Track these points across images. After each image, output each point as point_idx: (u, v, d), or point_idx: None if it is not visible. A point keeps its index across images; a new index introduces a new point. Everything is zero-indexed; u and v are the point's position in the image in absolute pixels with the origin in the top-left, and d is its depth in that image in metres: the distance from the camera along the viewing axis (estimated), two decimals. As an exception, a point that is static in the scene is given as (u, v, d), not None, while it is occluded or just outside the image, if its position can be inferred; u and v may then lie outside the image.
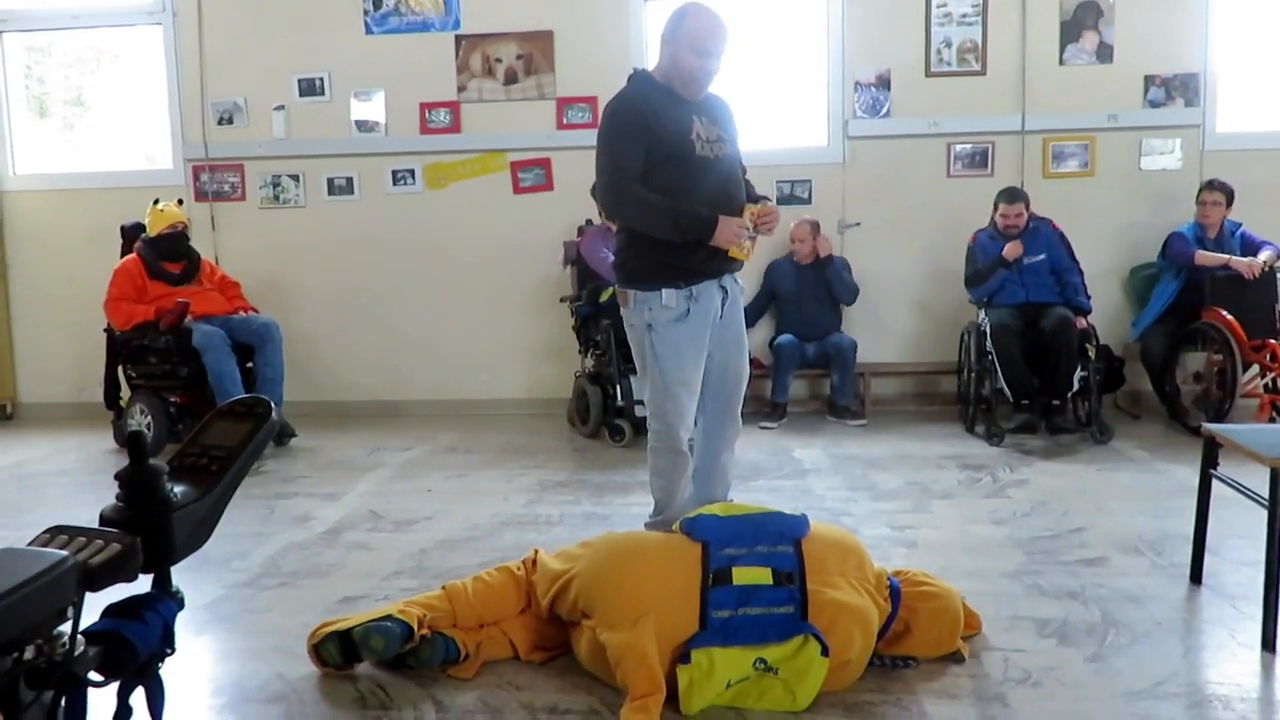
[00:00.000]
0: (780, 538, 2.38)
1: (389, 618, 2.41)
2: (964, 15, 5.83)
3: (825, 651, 2.20)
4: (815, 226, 5.80)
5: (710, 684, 2.19)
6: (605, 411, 5.28)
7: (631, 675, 2.18)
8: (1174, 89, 5.79)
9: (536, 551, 2.66)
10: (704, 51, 3.02)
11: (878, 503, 3.99)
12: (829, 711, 2.21)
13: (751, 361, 3.41)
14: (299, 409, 5.69)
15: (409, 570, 3.24)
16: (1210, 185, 5.38)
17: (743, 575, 2.30)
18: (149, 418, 5.13)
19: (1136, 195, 5.87)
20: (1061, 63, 5.84)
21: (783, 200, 5.88)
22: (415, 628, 2.39)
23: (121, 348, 5.36)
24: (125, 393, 5.46)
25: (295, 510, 4.06)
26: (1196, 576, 2.97)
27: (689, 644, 2.22)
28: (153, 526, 1.32)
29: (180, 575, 1.41)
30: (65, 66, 6.89)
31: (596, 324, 5.38)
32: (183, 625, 1.80)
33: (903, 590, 2.49)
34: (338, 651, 2.41)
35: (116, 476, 1.36)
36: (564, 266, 5.85)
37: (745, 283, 3.35)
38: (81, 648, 1.25)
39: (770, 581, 2.30)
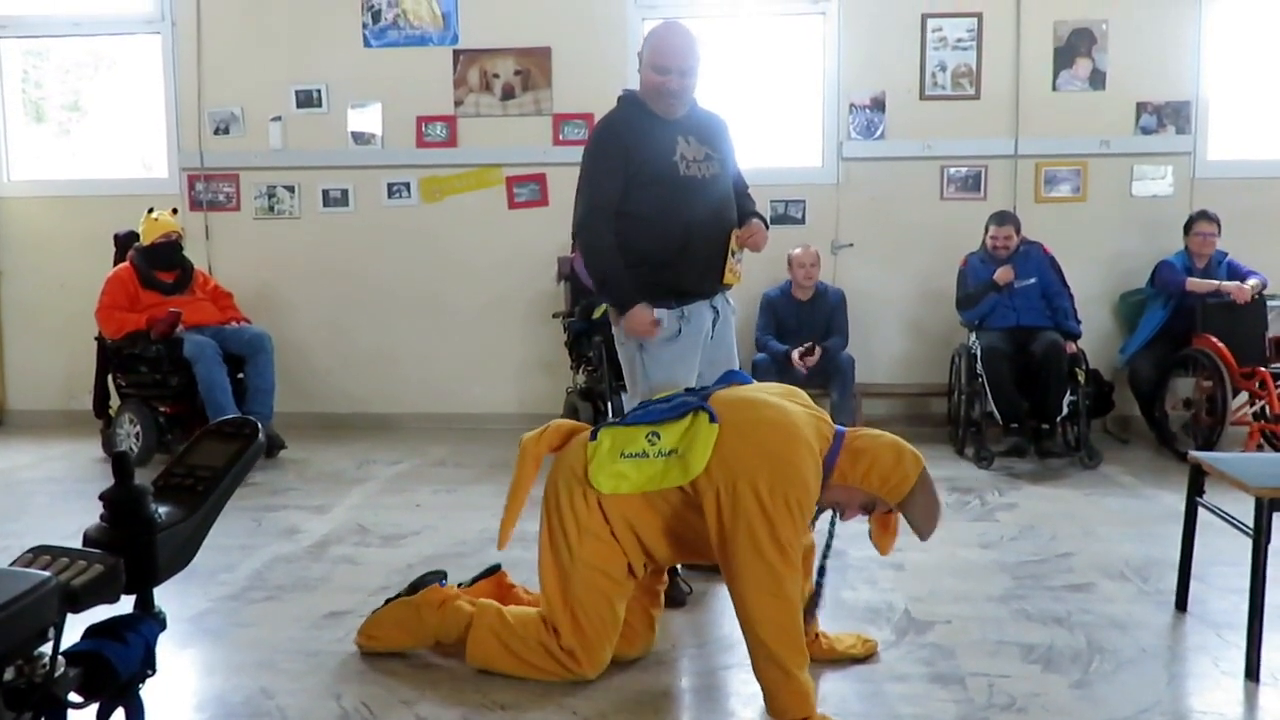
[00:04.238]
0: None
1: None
2: (959, 40, 5.87)
3: (713, 419, 2.28)
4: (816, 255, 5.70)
5: (607, 455, 2.37)
6: (596, 428, 5.26)
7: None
8: (1166, 116, 5.83)
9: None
10: (663, 69, 3.04)
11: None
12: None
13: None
14: (289, 420, 5.68)
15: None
16: (1204, 216, 5.39)
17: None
18: (138, 427, 5.12)
19: (1128, 221, 5.90)
20: (1055, 88, 5.88)
21: (776, 220, 5.87)
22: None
23: (112, 356, 5.33)
24: (115, 402, 5.45)
25: (283, 523, 4.05)
26: (1182, 603, 2.98)
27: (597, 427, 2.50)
28: (136, 547, 1.33)
29: (165, 588, 1.41)
30: (63, 71, 6.88)
31: (589, 340, 5.37)
32: (167, 639, 1.79)
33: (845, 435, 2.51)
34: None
35: (101, 497, 1.37)
36: (557, 282, 5.85)
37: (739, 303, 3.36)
38: (62, 669, 1.25)
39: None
